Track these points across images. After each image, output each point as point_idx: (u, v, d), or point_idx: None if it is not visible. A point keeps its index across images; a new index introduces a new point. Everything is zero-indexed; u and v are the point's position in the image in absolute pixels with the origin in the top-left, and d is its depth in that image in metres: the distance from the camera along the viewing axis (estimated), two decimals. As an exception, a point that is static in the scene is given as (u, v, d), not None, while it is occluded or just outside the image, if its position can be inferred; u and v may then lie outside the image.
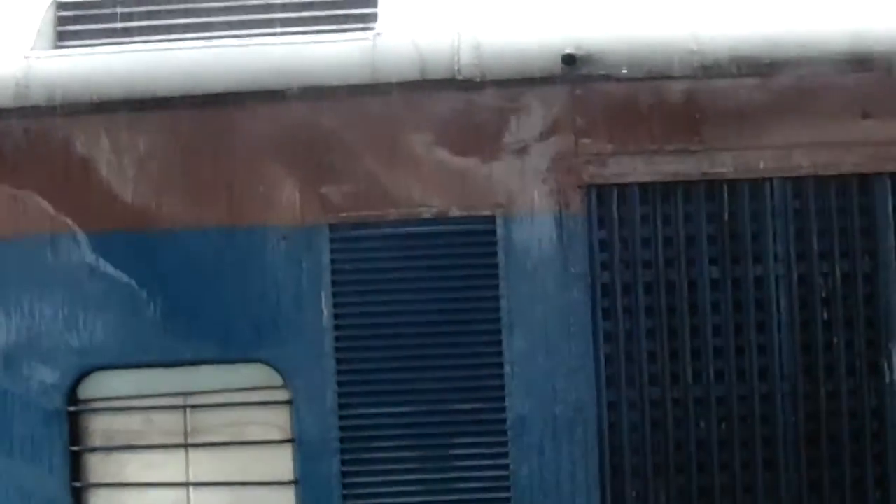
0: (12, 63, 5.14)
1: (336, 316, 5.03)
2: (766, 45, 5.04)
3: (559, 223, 5.04)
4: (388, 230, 5.05)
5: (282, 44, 5.13)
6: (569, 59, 5.03)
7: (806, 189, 5.04)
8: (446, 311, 5.03)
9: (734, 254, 5.04)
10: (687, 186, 5.05)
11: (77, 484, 5.08)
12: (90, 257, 5.07)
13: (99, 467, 5.12)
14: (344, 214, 5.05)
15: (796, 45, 5.04)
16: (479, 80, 5.05)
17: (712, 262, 5.05)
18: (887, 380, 5.04)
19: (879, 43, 5.05)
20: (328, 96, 5.06)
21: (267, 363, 5.05)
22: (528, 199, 5.05)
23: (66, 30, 5.18)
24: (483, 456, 5.02)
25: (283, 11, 5.21)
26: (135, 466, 5.11)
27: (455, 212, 5.05)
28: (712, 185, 5.05)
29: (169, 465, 5.10)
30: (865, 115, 5.05)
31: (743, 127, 5.04)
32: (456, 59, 5.06)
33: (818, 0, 5.19)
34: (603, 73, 5.04)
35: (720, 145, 5.04)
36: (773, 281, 5.04)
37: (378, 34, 5.12)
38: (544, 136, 5.06)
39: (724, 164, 5.04)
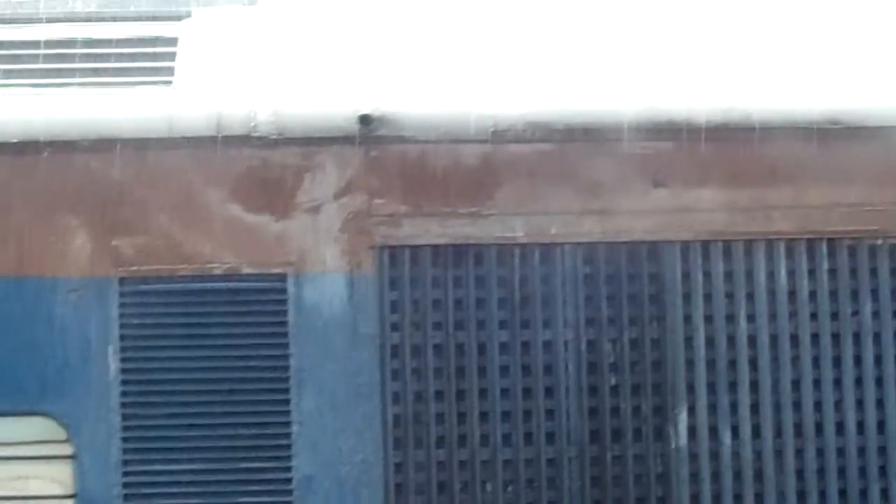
0: None
1: (123, 371, 4.98)
2: (559, 112, 5.10)
3: (350, 283, 5.04)
4: (179, 285, 5.01)
5: (78, 95, 5.09)
6: (365, 120, 5.04)
7: (596, 255, 5.11)
8: (235, 368, 4.99)
9: (524, 318, 5.09)
10: (478, 249, 5.09)
11: None
12: None
13: None
14: (134, 268, 5.00)
15: (589, 112, 5.11)
16: (275, 137, 5.05)
17: (502, 325, 5.08)
18: (673, 445, 5.10)
19: (672, 113, 5.13)
20: (123, 148, 5.02)
21: (51, 416, 4.98)
22: (320, 257, 5.04)
23: None
24: (268, 514, 5.01)
25: (81, 62, 5.18)
26: (-88, 519, 5.03)
27: (246, 269, 5.03)
28: (504, 249, 5.09)
29: (-53, 519, 5.03)
30: (657, 184, 5.13)
31: (535, 192, 5.09)
32: (252, 115, 5.05)
33: (612, 68, 5.27)
34: (398, 134, 5.06)
35: (512, 210, 5.08)
36: (562, 345, 5.08)
37: (175, 88, 5.10)
38: (338, 195, 5.06)
39: (516, 229, 5.08)
